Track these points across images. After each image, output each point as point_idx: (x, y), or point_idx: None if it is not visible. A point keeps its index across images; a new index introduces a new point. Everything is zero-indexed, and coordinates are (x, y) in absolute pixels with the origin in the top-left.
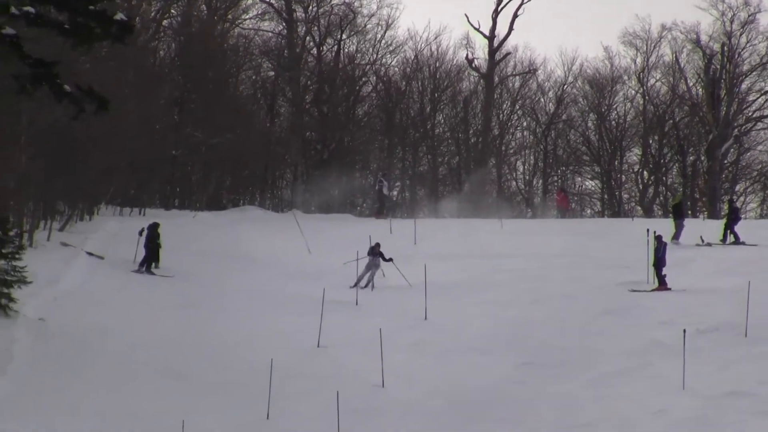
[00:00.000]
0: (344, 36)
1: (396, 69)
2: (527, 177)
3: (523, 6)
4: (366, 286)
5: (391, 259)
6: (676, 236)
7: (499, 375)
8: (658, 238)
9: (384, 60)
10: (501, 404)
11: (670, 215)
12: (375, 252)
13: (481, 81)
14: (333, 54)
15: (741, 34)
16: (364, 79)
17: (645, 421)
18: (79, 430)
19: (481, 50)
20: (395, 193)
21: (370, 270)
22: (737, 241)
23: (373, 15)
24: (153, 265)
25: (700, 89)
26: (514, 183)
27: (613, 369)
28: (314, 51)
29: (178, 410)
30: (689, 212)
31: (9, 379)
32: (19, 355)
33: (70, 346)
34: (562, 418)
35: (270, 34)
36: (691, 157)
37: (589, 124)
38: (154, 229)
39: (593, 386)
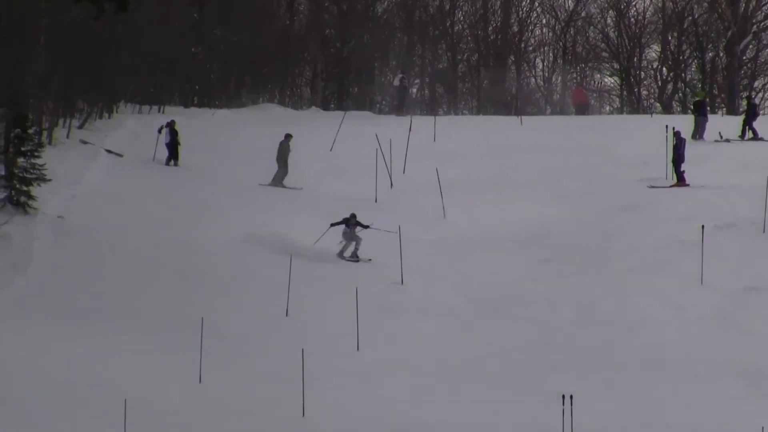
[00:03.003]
0: None
1: None
2: (546, 74)
3: None
4: (351, 257)
5: (368, 226)
6: (698, 133)
7: (519, 272)
8: (677, 134)
9: None
10: (520, 301)
11: (690, 111)
12: (351, 223)
13: None
14: None
15: None
16: None
17: (664, 316)
18: (99, 328)
19: None
20: (414, 90)
21: (349, 241)
22: (756, 137)
23: None
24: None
25: None
26: (533, 80)
27: (632, 265)
28: None
29: (198, 308)
30: (708, 108)
31: (29, 277)
32: (39, 253)
33: (90, 243)
34: (581, 315)
35: None
36: (709, 54)
37: (609, 20)
38: (173, 126)
39: (612, 282)
